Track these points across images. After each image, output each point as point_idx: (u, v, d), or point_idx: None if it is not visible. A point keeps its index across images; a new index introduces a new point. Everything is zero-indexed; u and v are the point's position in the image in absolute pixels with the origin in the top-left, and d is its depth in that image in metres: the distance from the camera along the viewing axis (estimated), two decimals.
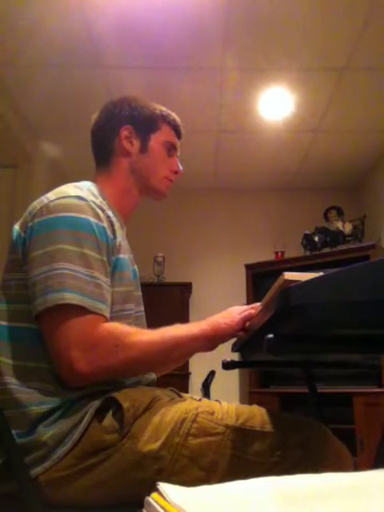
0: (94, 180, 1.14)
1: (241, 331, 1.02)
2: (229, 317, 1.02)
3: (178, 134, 1.21)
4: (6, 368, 0.90)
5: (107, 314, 0.91)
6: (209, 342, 0.99)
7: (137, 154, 1.14)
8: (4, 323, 0.93)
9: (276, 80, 2.87)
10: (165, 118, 1.18)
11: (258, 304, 0.97)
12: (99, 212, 0.97)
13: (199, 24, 2.41)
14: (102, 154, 1.17)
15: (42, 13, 2.33)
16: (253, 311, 1.02)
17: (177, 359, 1.05)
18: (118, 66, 2.75)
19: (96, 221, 0.94)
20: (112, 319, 0.94)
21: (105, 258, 0.94)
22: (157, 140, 1.16)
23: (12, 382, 0.88)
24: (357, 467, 0.87)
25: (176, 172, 1.20)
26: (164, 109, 1.19)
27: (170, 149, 1.18)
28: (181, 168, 1.21)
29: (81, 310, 0.86)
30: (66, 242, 0.90)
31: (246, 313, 1.02)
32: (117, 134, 1.14)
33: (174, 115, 1.20)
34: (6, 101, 2.99)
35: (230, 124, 3.32)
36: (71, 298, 0.86)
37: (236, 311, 1.04)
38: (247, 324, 1.01)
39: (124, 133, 1.14)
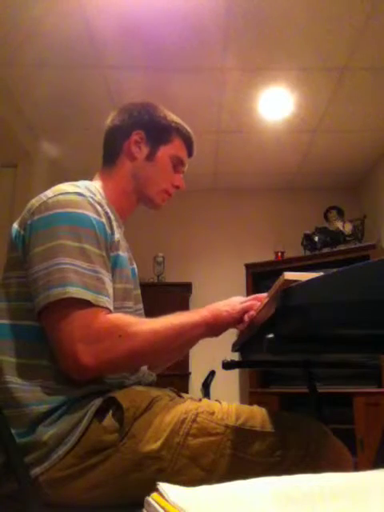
0: (96, 176, 1.15)
1: (241, 321, 1.01)
2: (230, 305, 1.02)
3: (190, 152, 1.21)
4: (7, 366, 0.90)
5: (111, 306, 0.91)
6: (210, 329, 0.99)
7: (142, 160, 1.14)
8: (5, 321, 0.93)
9: (276, 80, 2.87)
10: (179, 132, 1.17)
11: (264, 294, 0.96)
12: (98, 208, 0.97)
13: (199, 24, 2.41)
14: (110, 152, 1.17)
15: (41, 13, 2.32)
16: (254, 302, 1.01)
17: (179, 348, 1.05)
18: (118, 66, 2.75)
19: (95, 216, 0.95)
20: None
21: (104, 253, 0.94)
22: (165, 152, 1.15)
23: (13, 380, 0.88)
24: (357, 467, 0.87)
25: (177, 187, 1.19)
26: (181, 123, 1.19)
27: (177, 164, 1.18)
28: (183, 184, 1.20)
29: (84, 304, 0.86)
30: (66, 238, 0.90)
31: (247, 303, 1.02)
32: (127, 137, 1.14)
33: (190, 132, 1.20)
34: (6, 101, 2.99)
35: (230, 124, 3.31)
36: (74, 291, 0.86)
37: (237, 300, 1.04)
38: (247, 316, 1.00)
39: (135, 137, 1.14)
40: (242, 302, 1.03)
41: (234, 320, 1.00)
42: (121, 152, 1.15)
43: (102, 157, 1.20)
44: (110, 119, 1.19)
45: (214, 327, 0.99)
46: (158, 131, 1.15)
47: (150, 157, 1.15)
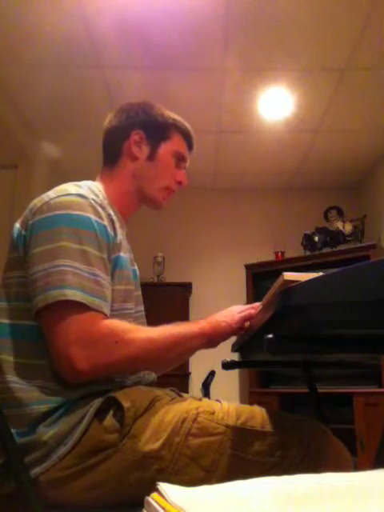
0: (98, 177, 1.15)
1: (240, 331, 1.02)
2: (229, 316, 1.02)
3: (190, 146, 1.21)
4: (7, 366, 0.90)
5: (107, 311, 0.91)
6: (208, 340, 0.99)
7: (144, 160, 1.14)
8: (6, 321, 0.93)
9: (276, 80, 2.87)
10: (178, 128, 1.17)
11: (258, 304, 0.97)
12: (100, 210, 0.97)
13: (199, 24, 2.41)
14: (110, 154, 1.17)
15: (41, 13, 2.32)
16: (253, 311, 1.02)
17: (176, 358, 1.05)
18: (117, 66, 2.75)
19: (97, 219, 0.95)
20: (112, 317, 0.94)
21: (105, 256, 0.94)
22: (166, 149, 1.15)
23: (13, 380, 0.88)
24: (357, 467, 0.87)
25: (180, 183, 1.19)
26: (179, 118, 1.18)
27: (179, 160, 1.18)
28: (186, 180, 1.20)
29: (81, 307, 0.86)
30: (66, 240, 0.90)
31: (245, 312, 1.02)
32: (127, 137, 1.14)
33: (188, 127, 1.19)
34: (6, 101, 3.00)
35: (230, 124, 3.32)
36: (72, 294, 0.86)
37: (236, 310, 1.04)
38: (247, 324, 1.01)
39: (134, 137, 1.14)
40: (240, 312, 1.03)
41: (233, 331, 1.01)
42: (121, 153, 1.15)
43: (102, 158, 1.19)
44: (107, 121, 1.19)
45: (212, 339, 1.00)
46: (157, 129, 1.15)
47: (152, 155, 1.14)
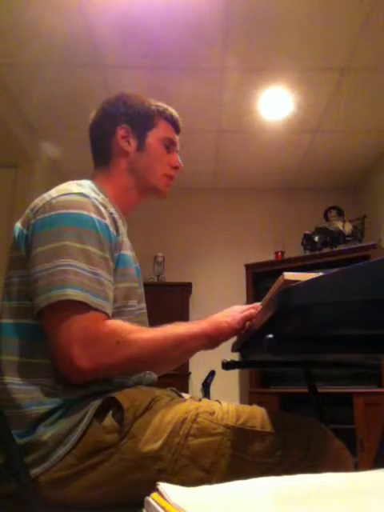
0: (92, 178, 1.14)
1: (241, 331, 1.02)
2: (230, 316, 1.01)
3: (177, 129, 1.20)
4: (7, 366, 0.90)
5: (109, 311, 0.91)
6: (209, 341, 0.99)
7: (134, 153, 1.14)
8: (7, 320, 0.93)
9: (276, 80, 2.87)
10: (161, 114, 1.17)
11: (259, 304, 0.97)
12: (102, 209, 0.97)
13: (199, 24, 2.41)
14: (100, 154, 1.17)
15: (41, 13, 2.32)
16: (253, 311, 1.02)
17: (177, 358, 1.05)
18: (117, 66, 2.75)
19: (98, 218, 0.95)
20: (114, 315, 0.94)
21: (107, 255, 0.94)
22: (154, 137, 1.15)
23: (14, 381, 0.88)
24: (357, 467, 0.87)
25: (176, 168, 1.19)
26: (160, 104, 1.18)
27: (169, 145, 1.18)
28: (181, 163, 1.20)
29: (83, 307, 0.86)
30: (68, 239, 0.90)
31: (246, 312, 1.02)
32: (113, 134, 1.14)
33: (171, 110, 1.19)
34: (6, 101, 2.99)
35: (230, 124, 3.32)
36: (74, 294, 0.86)
37: (237, 310, 1.03)
38: (248, 324, 1.00)
39: (120, 132, 1.14)
40: (241, 312, 1.03)
41: (235, 331, 1.01)
42: (111, 151, 1.15)
43: (92, 159, 1.19)
44: (90, 122, 1.19)
45: (213, 339, 0.99)
46: (141, 119, 1.15)
47: (141, 146, 1.14)
